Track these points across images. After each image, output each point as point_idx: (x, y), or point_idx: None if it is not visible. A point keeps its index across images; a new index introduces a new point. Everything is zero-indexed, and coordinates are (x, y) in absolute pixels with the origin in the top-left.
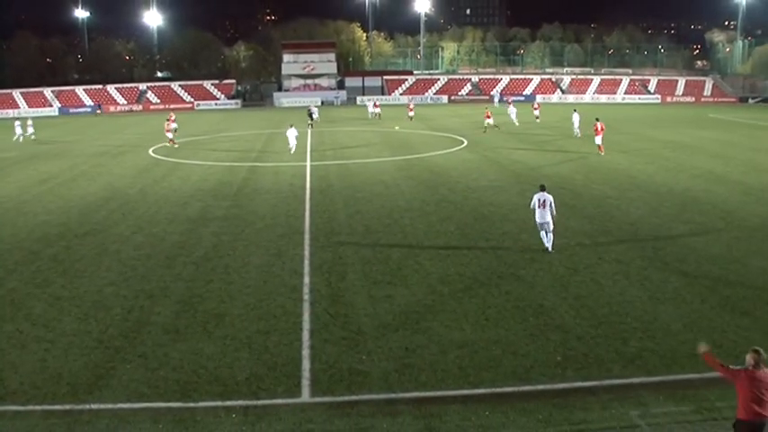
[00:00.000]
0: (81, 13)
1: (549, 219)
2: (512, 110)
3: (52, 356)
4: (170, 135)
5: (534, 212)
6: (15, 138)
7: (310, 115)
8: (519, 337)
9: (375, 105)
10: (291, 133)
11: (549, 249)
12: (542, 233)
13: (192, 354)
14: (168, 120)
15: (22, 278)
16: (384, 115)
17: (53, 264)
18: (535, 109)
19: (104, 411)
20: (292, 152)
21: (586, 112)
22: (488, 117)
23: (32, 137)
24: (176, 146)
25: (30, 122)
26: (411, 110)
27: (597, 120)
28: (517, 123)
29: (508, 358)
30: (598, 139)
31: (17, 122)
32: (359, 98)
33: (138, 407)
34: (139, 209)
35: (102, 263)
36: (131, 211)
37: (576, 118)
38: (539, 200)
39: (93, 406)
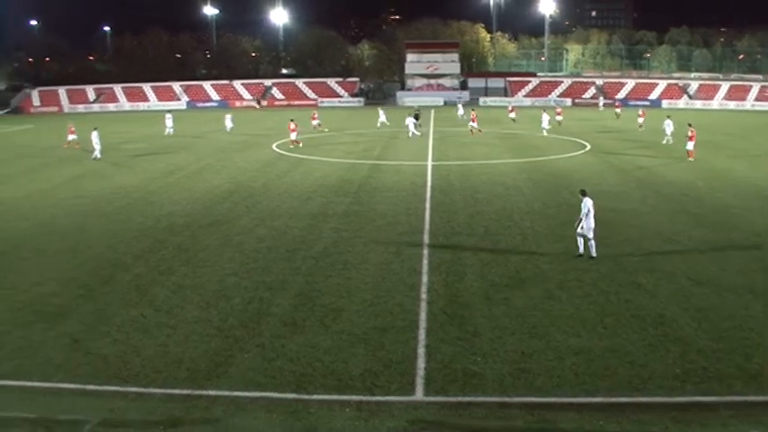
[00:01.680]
0: (210, 11)
1: (593, 225)
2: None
3: (174, 342)
4: (294, 136)
5: (585, 220)
6: (166, 132)
7: (416, 116)
8: (637, 346)
9: (472, 120)
10: (410, 121)
11: (595, 255)
12: (592, 241)
13: (308, 347)
14: (311, 117)
15: (147, 265)
16: (497, 118)
17: (178, 252)
18: (640, 116)
19: (221, 398)
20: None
21: (689, 118)
22: (474, 121)
23: (171, 131)
24: (300, 145)
25: (169, 116)
26: (511, 111)
27: (690, 125)
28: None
29: (625, 368)
30: (690, 145)
31: (168, 115)
32: (481, 99)
33: (253, 396)
34: (262, 202)
35: (224, 254)
36: (254, 204)
37: (668, 124)
38: (590, 206)
39: (211, 392)
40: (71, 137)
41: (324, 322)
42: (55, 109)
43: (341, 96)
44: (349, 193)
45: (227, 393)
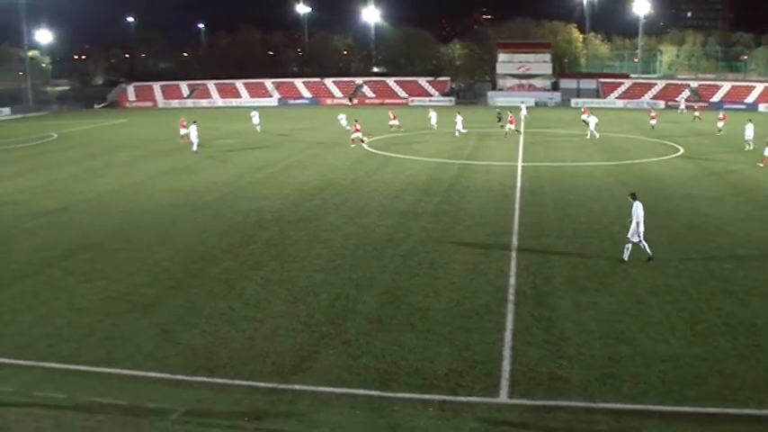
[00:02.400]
0: (302, 9)
1: (643, 229)
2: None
3: (260, 335)
4: (359, 135)
5: (637, 223)
6: (255, 127)
7: (499, 117)
8: (728, 355)
9: (510, 122)
10: (458, 119)
11: (651, 254)
12: (643, 242)
13: (393, 345)
14: (390, 117)
15: (237, 259)
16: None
17: (266, 247)
18: (720, 120)
19: (306, 393)
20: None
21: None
22: (511, 123)
23: (258, 127)
24: (364, 144)
25: (255, 113)
26: (585, 113)
27: None
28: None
29: (714, 377)
30: (767, 151)
31: (254, 112)
32: (573, 100)
33: (338, 391)
34: (351, 200)
35: (312, 250)
36: (343, 201)
37: (748, 128)
38: (640, 210)
39: (296, 386)
40: (183, 131)
41: (410, 321)
42: (149, 104)
43: (431, 95)
44: (438, 193)
45: (311, 388)
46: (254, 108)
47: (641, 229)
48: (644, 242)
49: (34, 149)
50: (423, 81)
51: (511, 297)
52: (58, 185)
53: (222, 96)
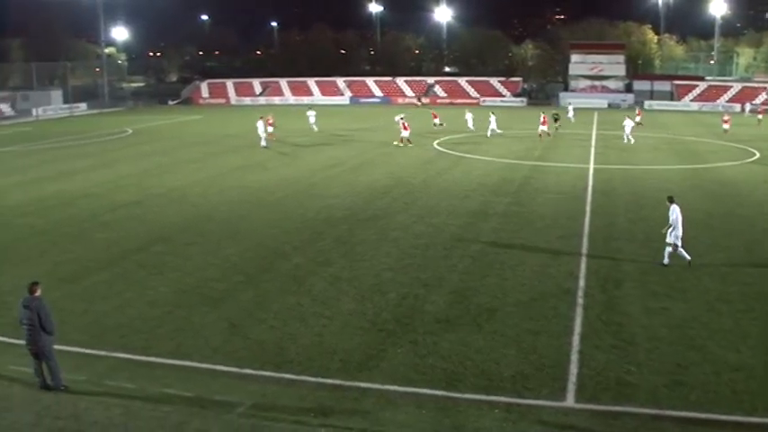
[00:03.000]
0: (375, 8)
1: (681, 233)
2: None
3: (329, 332)
4: (405, 134)
5: (675, 227)
6: (311, 126)
7: (555, 119)
8: None
9: (542, 123)
10: (492, 119)
11: (689, 258)
12: (681, 249)
13: (460, 345)
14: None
15: (306, 256)
16: (665, 123)
17: (336, 245)
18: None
19: (371, 391)
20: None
21: None
22: (544, 123)
23: (314, 127)
24: (410, 144)
25: (312, 112)
26: (639, 114)
27: None
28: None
29: None
30: None
31: (310, 111)
32: (647, 102)
33: (403, 390)
34: (421, 199)
35: (381, 248)
36: (413, 200)
37: None
38: (678, 213)
39: (362, 384)
40: (269, 129)
41: (477, 322)
42: (222, 101)
43: (503, 96)
44: (509, 193)
45: (377, 386)
46: (311, 107)
47: (679, 233)
48: (681, 249)
49: (109, 144)
50: (494, 81)
51: (580, 300)
52: (131, 180)
53: (294, 94)
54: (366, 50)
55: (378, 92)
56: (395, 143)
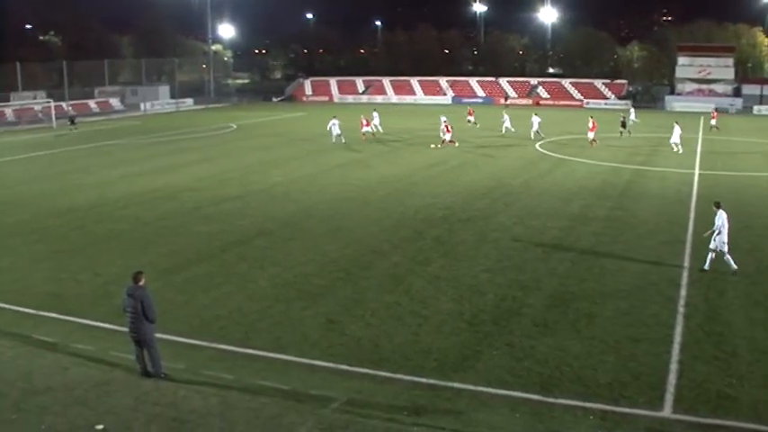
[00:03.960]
0: (479, 8)
1: (726, 239)
2: None
3: (425, 332)
4: (448, 137)
5: (720, 233)
6: (376, 128)
7: (623, 123)
8: None
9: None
10: (535, 119)
11: (735, 268)
12: (727, 256)
13: (557, 350)
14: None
15: (405, 254)
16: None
17: (435, 244)
18: None
19: (466, 392)
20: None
21: None
22: (592, 130)
23: (378, 128)
24: (456, 144)
25: (375, 113)
26: (714, 117)
27: None
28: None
29: None
30: None
31: (374, 113)
32: (755, 107)
33: (498, 393)
34: (521, 201)
35: (480, 249)
36: (513, 202)
37: None
38: (724, 219)
39: (457, 385)
40: (365, 129)
41: (575, 327)
42: (325, 98)
43: (607, 98)
44: (611, 198)
45: (472, 387)
46: (374, 109)
47: (725, 239)
48: (727, 255)
49: (213, 139)
50: (599, 83)
51: (681, 309)
52: (234, 175)
53: (397, 93)
54: (469, 50)
55: (480, 92)
56: (432, 146)
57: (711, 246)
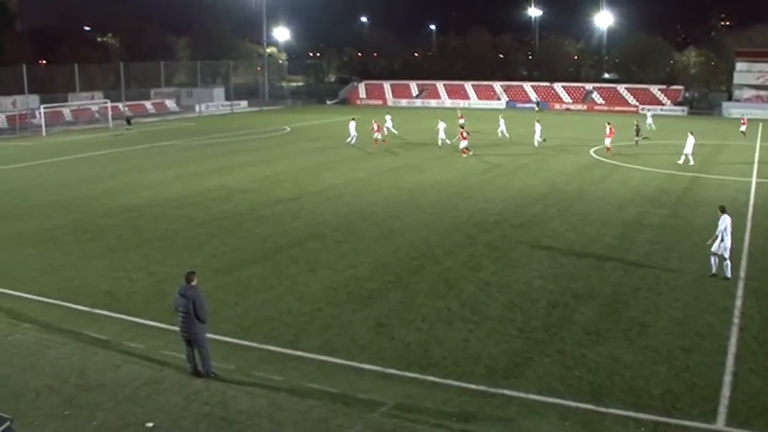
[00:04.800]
0: (534, 12)
1: (729, 244)
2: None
3: (475, 338)
4: (464, 143)
5: (722, 238)
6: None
7: (637, 131)
8: None
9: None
10: (538, 128)
11: (729, 276)
12: (727, 261)
13: (609, 359)
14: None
15: (458, 260)
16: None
17: (487, 250)
18: None
19: (515, 399)
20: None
21: None
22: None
23: (393, 130)
24: (471, 153)
25: (388, 117)
26: (744, 123)
27: None
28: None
29: None
30: None
31: (387, 116)
32: None
33: (548, 401)
34: (575, 207)
35: (533, 255)
36: (567, 208)
37: None
38: (728, 224)
39: (506, 392)
40: (376, 135)
41: (628, 336)
42: (379, 102)
43: (663, 104)
44: (666, 205)
45: (521, 395)
46: (387, 112)
47: (727, 244)
48: (727, 261)
49: (268, 141)
50: (654, 89)
51: (736, 320)
52: (288, 177)
53: (450, 97)
54: (524, 55)
55: (534, 96)
56: (463, 155)
57: (713, 250)
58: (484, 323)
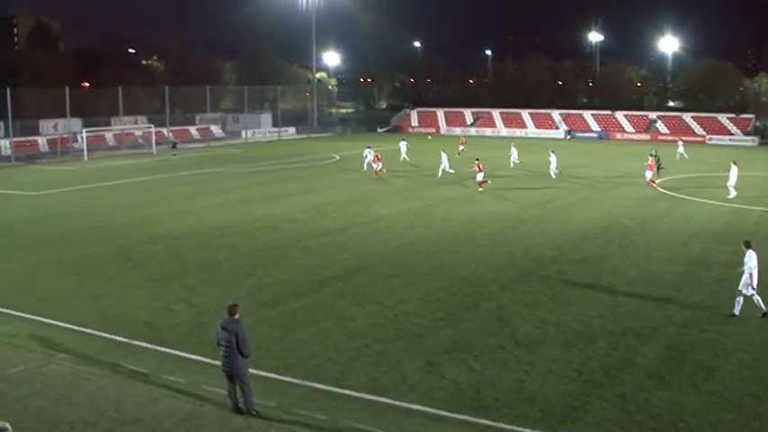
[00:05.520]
0: (595, 37)
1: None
2: None
3: (530, 379)
4: (479, 176)
5: (750, 274)
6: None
7: (657, 159)
8: None
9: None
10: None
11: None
12: (756, 296)
13: (673, 404)
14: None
15: (512, 296)
16: None
17: (544, 287)
18: None
19: None
20: None
21: None
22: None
23: (405, 158)
24: (488, 183)
25: (403, 143)
26: None
27: None
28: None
29: None
30: None
31: (402, 142)
32: None
33: None
34: (637, 242)
35: (592, 293)
36: (629, 243)
37: None
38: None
39: None
40: (376, 165)
41: (693, 380)
42: (432, 130)
43: (732, 134)
44: (734, 241)
45: None
46: (403, 139)
47: (754, 281)
48: (757, 296)
49: (316, 170)
50: (723, 118)
51: None
52: (336, 206)
53: (506, 126)
54: (584, 82)
55: (595, 126)
56: (479, 189)
57: (740, 287)
58: (539, 363)
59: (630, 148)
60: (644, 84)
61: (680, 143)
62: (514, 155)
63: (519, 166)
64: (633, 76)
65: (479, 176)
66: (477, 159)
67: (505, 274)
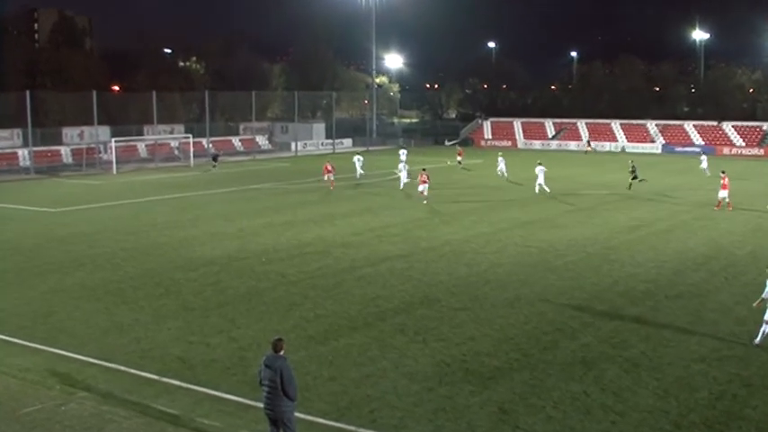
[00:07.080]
0: (699, 36)
1: None
2: None
3: (618, 430)
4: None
5: None
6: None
7: (633, 176)
8: None
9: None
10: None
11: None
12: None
13: None
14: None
15: (597, 335)
16: None
17: (635, 325)
18: None
19: None
20: None
21: None
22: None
23: (361, 171)
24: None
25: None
26: None
27: None
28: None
29: None
30: None
31: (357, 157)
32: None
33: None
34: (748, 274)
35: (693, 333)
36: (737, 275)
37: None
38: None
39: None
40: (328, 176)
41: None
42: (507, 143)
43: None
44: None
45: None
46: (357, 152)
47: None
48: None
49: (375, 187)
50: None
51: None
52: (397, 229)
53: (593, 138)
54: (685, 87)
55: (698, 139)
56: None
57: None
58: (630, 414)
59: (738, 165)
60: (757, 90)
61: (703, 159)
62: (501, 165)
63: (506, 179)
64: (744, 81)
65: (421, 187)
66: (424, 169)
67: (590, 309)
